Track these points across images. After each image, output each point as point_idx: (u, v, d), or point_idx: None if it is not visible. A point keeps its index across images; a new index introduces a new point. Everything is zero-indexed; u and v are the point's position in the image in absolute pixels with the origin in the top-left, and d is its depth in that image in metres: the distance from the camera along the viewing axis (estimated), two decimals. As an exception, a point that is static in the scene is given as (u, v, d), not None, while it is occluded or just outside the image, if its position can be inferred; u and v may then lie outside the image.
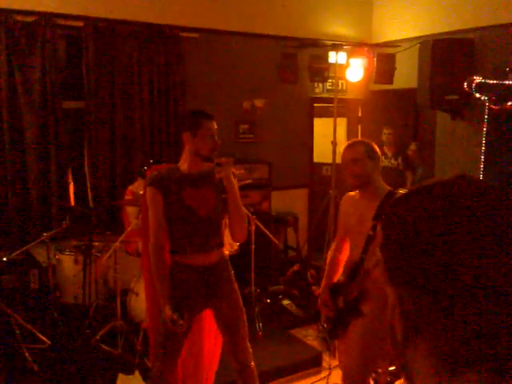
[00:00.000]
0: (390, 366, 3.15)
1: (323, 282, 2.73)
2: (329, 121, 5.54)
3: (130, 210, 4.11)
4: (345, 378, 2.62)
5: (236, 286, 2.66)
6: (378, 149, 2.54)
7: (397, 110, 6.01)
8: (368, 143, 2.54)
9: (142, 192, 3.89)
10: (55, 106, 4.44)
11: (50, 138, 4.44)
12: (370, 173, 2.47)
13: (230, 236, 2.67)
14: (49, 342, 3.61)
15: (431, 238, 0.62)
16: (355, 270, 2.49)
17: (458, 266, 0.59)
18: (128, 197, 4.17)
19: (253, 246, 4.13)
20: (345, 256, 2.68)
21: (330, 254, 2.81)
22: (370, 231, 2.41)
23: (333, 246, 2.79)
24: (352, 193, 2.63)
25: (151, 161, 4.14)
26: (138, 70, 4.77)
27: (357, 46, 5.65)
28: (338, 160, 5.57)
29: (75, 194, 4.79)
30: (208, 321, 2.83)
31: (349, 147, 2.54)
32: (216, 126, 2.50)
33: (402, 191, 2.49)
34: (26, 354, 3.40)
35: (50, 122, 4.43)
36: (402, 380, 3.20)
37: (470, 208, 0.62)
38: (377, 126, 5.96)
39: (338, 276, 2.67)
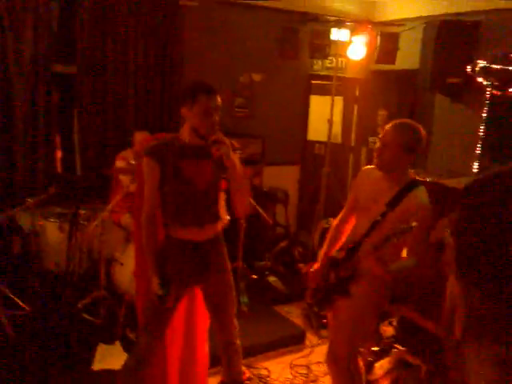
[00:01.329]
0: (374, 346, 3.13)
1: (323, 249, 2.64)
2: (325, 99, 5.43)
3: (122, 178, 4.02)
4: (329, 355, 2.59)
5: (228, 263, 2.58)
6: (422, 136, 2.33)
7: (395, 92, 5.89)
8: (414, 132, 2.33)
9: (132, 162, 3.81)
10: (46, 67, 4.30)
11: (39, 102, 4.31)
12: (395, 162, 2.33)
13: (235, 210, 2.53)
14: (28, 309, 3.54)
15: None
16: (353, 250, 2.42)
17: None
18: (120, 163, 4.07)
19: (243, 221, 4.06)
20: (349, 227, 2.59)
21: (334, 222, 2.71)
22: (378, 216, 2.33)
23: (339, 215, 2.68)
24: (374, 167, 2.48)
25: (132, 129, 4.03)
26: (134, 36, 4.62)
27: (360, 24, 5.49)
28: (334, 139, 5.55)
29: (63, 160, 4.67)
30: (200, 297, 2.76)
31: (393, 128, 2.35)
32: (219, 101, 2.31)
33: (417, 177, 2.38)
34: (4, 320, 3.32)
35: (40, 84, 4.29)
36: (383, 361, 3.19)
37: None
38: (373, 106, 5.86)
39: (339, 246, 2.58)
